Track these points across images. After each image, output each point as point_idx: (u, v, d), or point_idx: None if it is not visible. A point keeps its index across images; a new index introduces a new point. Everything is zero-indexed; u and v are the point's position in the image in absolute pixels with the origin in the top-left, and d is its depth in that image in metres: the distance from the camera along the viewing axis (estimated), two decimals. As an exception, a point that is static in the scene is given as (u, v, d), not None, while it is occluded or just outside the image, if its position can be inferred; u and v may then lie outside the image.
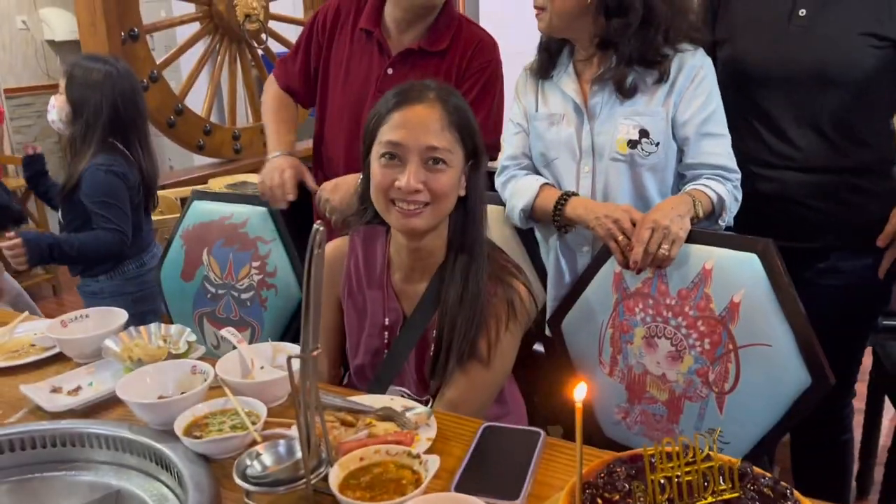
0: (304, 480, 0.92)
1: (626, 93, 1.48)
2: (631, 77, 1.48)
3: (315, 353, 0.90)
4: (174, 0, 4.00)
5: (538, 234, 1.68)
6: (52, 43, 6.68)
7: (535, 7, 1.50)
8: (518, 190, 1.58)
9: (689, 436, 0.93)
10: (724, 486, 0.82)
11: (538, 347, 1.78)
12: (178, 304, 1.94)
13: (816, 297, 1.43)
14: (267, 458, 0.98)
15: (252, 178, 3.21)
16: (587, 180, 1.54)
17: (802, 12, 1.56)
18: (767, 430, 1.37)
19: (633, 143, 1.49)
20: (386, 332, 1.40)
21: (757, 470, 0.86)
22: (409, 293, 1.39)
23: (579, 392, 0.78)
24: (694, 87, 1.48)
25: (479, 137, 1.32)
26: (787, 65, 1.57)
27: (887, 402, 2.15)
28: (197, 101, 3.45)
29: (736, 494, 0.81)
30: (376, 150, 1.29)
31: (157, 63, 3.11)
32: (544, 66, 1.60)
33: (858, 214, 1.61)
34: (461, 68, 1.79)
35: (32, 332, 1.51)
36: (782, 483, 0.84)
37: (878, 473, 2.23)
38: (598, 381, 1.53)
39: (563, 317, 1.57)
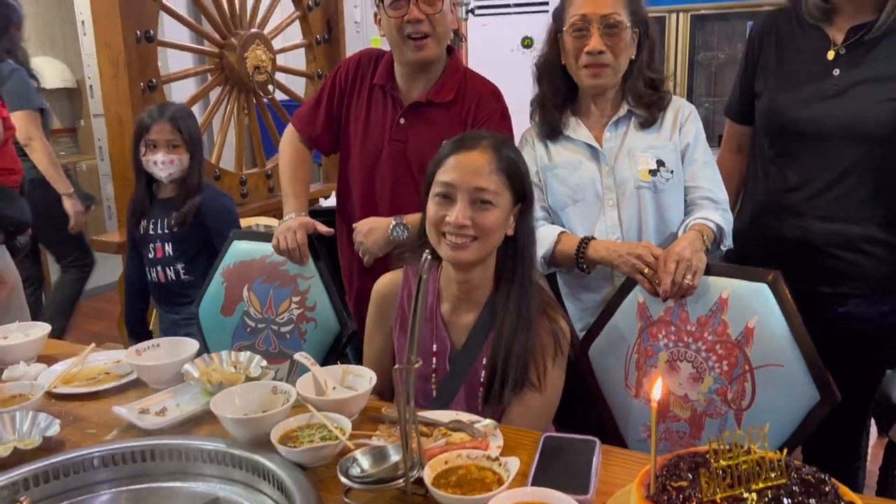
0: (404, 479, 1.05)
1: (642, 126, 1.73)
2: (643, 117, 1.74)
3: (417, 365, 1.03)
4: (170, 51, 4.13)
5: (559, 277, 1.85)
6: (42, 90, 6.78)
7: (598, 65, 1.67)
8: (538, 240, 1.73)
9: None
10: (773, 474, 0.96)
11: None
12: (218, 338, 2.04)
13: (835, 339, 1.55)
14: (364, 462, 1.11)
15: (261, 220, 3.34)
16: (613, 212, 1.72)
17: (836, 72, 1.70)
18: (782, 443, 1.52)
19: (653, 172, 1.70)
20: (434, 359, 1.53)
21: (797, 462, 1.01)
22: (457, 323, 1.52)
23: (656, 391, 0.93)
24: (689, 123, 1.75)
25: (528, 184, 1.48)
26: (820, 121, 1.71)
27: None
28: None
29: (783, 480, 0.96)
30: (433, 190, 1.45)
31: (172, 112, 3.25)
32: (553, 127, 1.79)
33: (879, 265, 1.72)
34: (468, 117, 1.94)
35: (102, 361, 1.62)
36: (821, 472, 0.99)
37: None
38: (624, 402, 1.68)
39: (591, 344, 1.72)
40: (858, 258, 1.73)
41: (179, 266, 2.38)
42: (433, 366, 1.53)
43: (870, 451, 2.50)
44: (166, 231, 2.37)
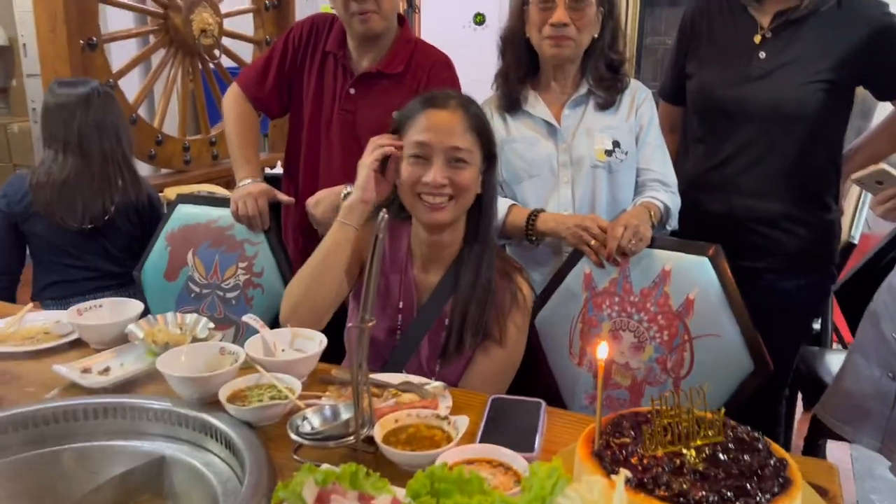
0: (354, 436, 1.06)
1: (601, 108, 1.75)
2: (602, 98, 1.76)
3: (371, 324, 1.03)
4: (111, 10, 3.98)
5: (508, 250, 1.87)
6: (-29, 48, 6.48)
7: (562, 37, 1.68)
8: None
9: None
10: (711, 432, 1.01)
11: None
12: (160, 302, 2.00)
13: (753, 313, 1.61)
14: (315, 420, 1.12)
15: (204, 188, 3.27)
16: (567, 189, 1.75)
17: (762, 55, 1.78)
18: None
19: (608, 152, 1.74)
20: (399, 315, 1.54)
21: (733, 422, 1.06)
22: (425, 283, 1.54)
23: (601, 351, 0.97)
24: (644, 106, 1.79)
25: (494, 142, 1.50)
26: (745, 101, 1.78)
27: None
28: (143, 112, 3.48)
29: (720, 438, 1.01)
30: (405, 150, 1.45)
31: (114, 73, 3.13)
32: (513, 100, 1.80)
33: (796, 241, 1.81)
34: (420, 87, 1.94)
35: (41, 320, 1.57)
36: (754, 431, 1.05)
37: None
38: (568, 370, 1.72)
39: (537, 313, 1.75)
40: (777, 234, 1.82)
41: None
42: (399, 322, 1.54)
43: (796, 425, 2.62)
44: None
